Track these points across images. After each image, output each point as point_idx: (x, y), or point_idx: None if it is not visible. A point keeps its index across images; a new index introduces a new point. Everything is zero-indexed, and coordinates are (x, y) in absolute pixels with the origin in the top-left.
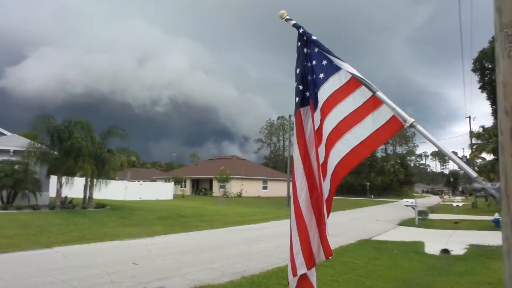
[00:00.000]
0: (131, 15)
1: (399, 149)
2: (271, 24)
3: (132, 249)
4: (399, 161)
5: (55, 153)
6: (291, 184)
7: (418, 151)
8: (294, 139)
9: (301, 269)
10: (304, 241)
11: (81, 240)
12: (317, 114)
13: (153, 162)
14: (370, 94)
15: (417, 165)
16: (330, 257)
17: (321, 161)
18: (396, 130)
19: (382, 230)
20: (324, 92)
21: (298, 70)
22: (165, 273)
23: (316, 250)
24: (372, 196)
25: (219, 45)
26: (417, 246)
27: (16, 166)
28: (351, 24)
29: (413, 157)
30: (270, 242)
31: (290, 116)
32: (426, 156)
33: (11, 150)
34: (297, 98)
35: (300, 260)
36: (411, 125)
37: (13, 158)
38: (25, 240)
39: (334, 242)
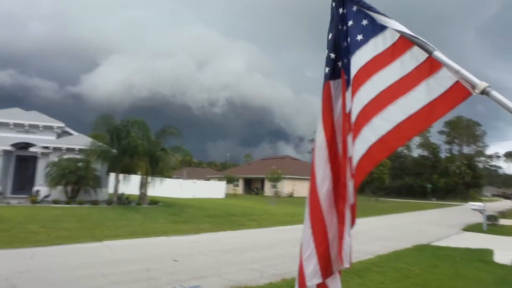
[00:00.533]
0: (191, 21)
1: (466, 149)
2: (325, 22)
3: (177, 245)
4: (465, 162)
5: (114, 151)
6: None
7: (489, 151)
8: (319, 118)
9: (314, 279)
10: (321, 243)
11: (132, 235)
12: (350, 92)
13: (209, 162)
14: (425, 56)
15: (487, 166)
16: (346, 267)
17: (349, 154)
18: (460, 99)
19: (443, 235)
20: (361, 57)
21: (330, 35)
22: (203, 271)
23: (335, 255)
24: (433, 199)
25: (275, 46)
26: (485, 254)
27: (80, 164)
28: (413, 16)
29: (482, 158)
30: None
31: None
32: (498, 157)
33: (76, 149)
34: (327, 69)
35: (313, 266)
36: (484, 92)
37: (78, 156)
38: (81, 233)
39: (387, 246)
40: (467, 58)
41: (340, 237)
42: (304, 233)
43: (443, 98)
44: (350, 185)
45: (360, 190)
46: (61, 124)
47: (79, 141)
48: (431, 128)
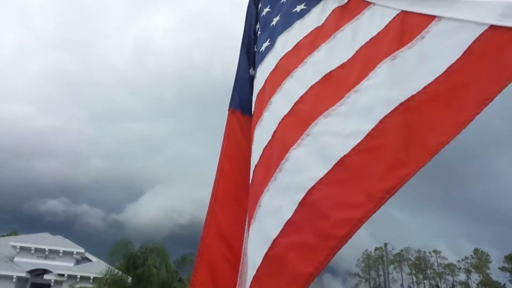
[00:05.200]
0: None
1: None
2: None
3: None
4: None
5: (129, 281)
6: None
7: None
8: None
9: None
10: None
11: None
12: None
13: None
14: (395, 12)
15: None
16: None
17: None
18: None
19: None
20: (293, 36)
21: (244, 35)
22: None
23: None
24: None
25: None
26: None
27: None
28: (449, 150)
29: None
30: None
31: (385, 244)
32: None
33: (91, 277)
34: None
35: None
36: None
37: (91, 286)
38: None
39: None
40: None
41: None
42: None
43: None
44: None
45: None
46: (81, 250)
47: (96, 268)
48: (490, 264)
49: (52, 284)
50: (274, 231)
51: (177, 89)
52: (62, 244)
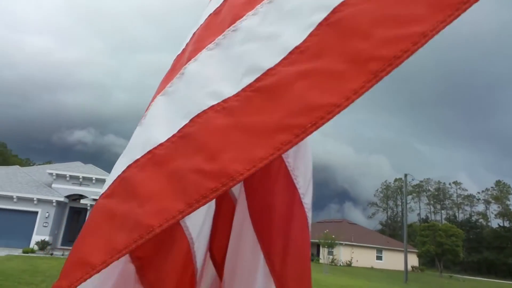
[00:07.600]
0: None
1: None
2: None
3: None
4: None
5: None
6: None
7: None
8: None
9: None
10: None
11: None
12: None
13: None
14: None
15: None
16: None
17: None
18: None
19: None
20: None
21: None
22: None
23: None
24: None
25: None
26: None
27: None
28: (472, 79)
29: None
30: None
31: (405, 175)
32: None
33: None
34: None
35: None
36: None
37: None
38: None
39: None
40: None
41: None
42: None
43: None
44: None
45: (430, 264)
46: None
47: None
48: (510, 195)
49: (88, 208)
50: (267, 60)
51: (193, 18)
52: (94, 172)
